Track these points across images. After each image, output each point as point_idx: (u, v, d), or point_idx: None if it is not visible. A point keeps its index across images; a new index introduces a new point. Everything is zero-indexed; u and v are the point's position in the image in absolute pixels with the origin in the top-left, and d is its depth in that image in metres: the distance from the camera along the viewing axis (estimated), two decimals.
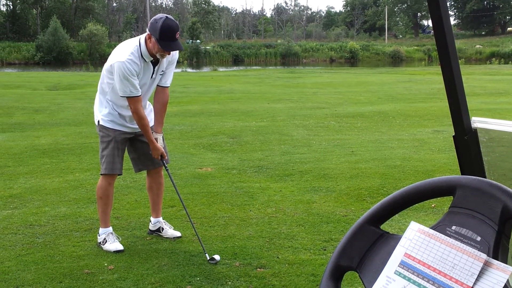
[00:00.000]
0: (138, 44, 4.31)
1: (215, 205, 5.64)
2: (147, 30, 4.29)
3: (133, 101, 4.32)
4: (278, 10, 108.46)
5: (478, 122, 1.49)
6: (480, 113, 11.91)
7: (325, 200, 5.80)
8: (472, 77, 24.53)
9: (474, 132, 1.49)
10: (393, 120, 11.68)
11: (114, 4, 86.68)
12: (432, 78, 24.73)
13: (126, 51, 4.28)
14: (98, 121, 4.61)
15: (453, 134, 1.53)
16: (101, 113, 4.58)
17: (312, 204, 5.64)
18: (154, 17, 4.33)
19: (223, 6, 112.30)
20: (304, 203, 5.67)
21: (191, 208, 5.52)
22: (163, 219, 4.88)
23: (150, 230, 4.86)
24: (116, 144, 4.52)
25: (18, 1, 74.63)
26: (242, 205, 5.62)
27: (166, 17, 4.26)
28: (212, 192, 6.13)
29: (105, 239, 4.50)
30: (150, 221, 4.87)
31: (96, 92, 4.70)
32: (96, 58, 54.69)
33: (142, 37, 4.35)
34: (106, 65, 4.39)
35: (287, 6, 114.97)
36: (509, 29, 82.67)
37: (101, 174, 4.60)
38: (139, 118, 4.38)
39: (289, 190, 6.19)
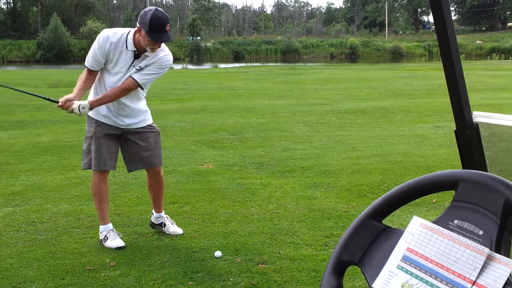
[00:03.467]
0: (127, 32, 4.34)
1: (217, 201, 5.64)
2: (137, 24, 4.28)
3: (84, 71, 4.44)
4: (279, 6, 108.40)
5: (479, 116, 1.49)
6: (481, 108, 11.85)
7: (326, 196, 5.80)
8: (473, 73, 24.51)
9: (475, 127, 1.49)
10: (394, 116, 11.68)
11: (115, 1, 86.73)
12: (432, 74, 24.72)
13: (114, 29, 4.41)
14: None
15: (455, 128, 1.53)
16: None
17: (313, 200, 5.64)
18: (144, 10, 4.34)
19: (223, 2, 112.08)
20: (305, 199, 5.67)
21: (193, 205, 5.53)
22: (165, 214, 4.88)
23: (152, 222, 4.85)
24: (98, 140, 4.48)
25: None
26: (244, 202, 5.63)
27: (156, 9, 4.25)
28: (214, 188, 6.13)
29: (106, 236, 4.50)
30: (153, 214, 4.86)
31: None
32: None
33: (133, 29, 4.37)
34: None
35: (287, 3, 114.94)
36: (509, 24, 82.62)
37: (93, 171, 4.57)
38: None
39: (290, 186, 6.19)
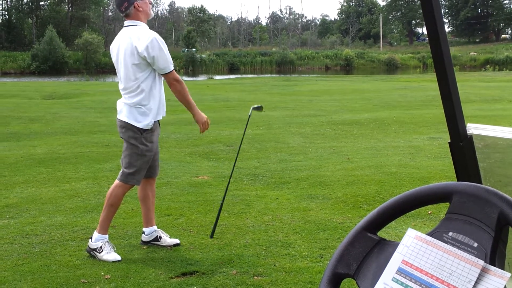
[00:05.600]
0: (138, 26, 4.38)
1: (212, 213, 5.63)
2: (125, 12, 4.35)
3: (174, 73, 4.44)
4: (273, 18, 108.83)
5: (473, 128, 1.50)
6: (475, 119, 11.94)
7: (322, 207, 5.79)
8: (467, 84, 24.62)
9: (469, 139, 1.50)
10: (389, 127, 11.71)
11: (110, 13, 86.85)
12: (427, 85, 24.80)
13: (144, 29, 4.38)
14: (143, 129, 4.44)
15: (449, 140, 1.54)
16: (149, 115, 4.46)
17: (309, 212, 5.63)
18: None
19: (219, 14, 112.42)
20: (300, 211, 5.67)
21: (188, 217, 5.51)
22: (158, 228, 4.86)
23: (143, 241, 4.77)
24: (152, 156, 4.51)
25: (14, 10, 74.77)
26: (239, 213, 5.62)
27: None
28: (209, 200, 6.12)
29: (101, 247, 4.47)
30: (143, 232, 4.78)
31: (123, 105, 4.50)
32: (91, 67, 54.80)
33: (132, 22, 4.39)
34: (132, 58, 4.33)
35: (282, 14, 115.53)
36: (503, 36, 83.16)
37: (125, 184, 4.49)
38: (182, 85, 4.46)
39: (286, 198, 6.19)
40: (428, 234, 1.11)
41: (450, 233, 1.09)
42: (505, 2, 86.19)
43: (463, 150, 1.51)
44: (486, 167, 1.54)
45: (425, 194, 1.15)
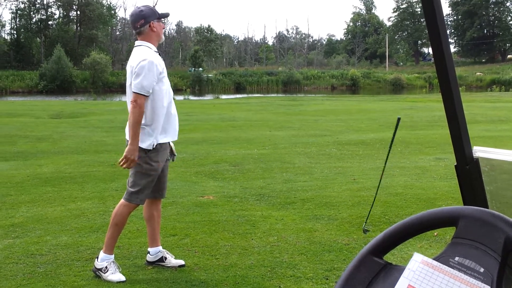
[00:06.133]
0: (147, 47, 4.42)
1: (217, 233, 5.62)
2: (139, 30, 4.41)
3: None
4: (280, 38, 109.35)
5: (479, 151, 1.50)
6: (482, 140, 11.92)
7: (327, 228, 5.78)
8: (473, 105, 24.61)
9: (475, 162, 1.50)
10: (395, 148, 11.69)
11: (118, 33, 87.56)
12: (433, 106, 24.80)
13: (149, 51, 4.41)
14: (146, 149, 4.43)
15: (455, 163, 1.54)
16: (152, 135, 4.45)
17: (314, 233, 5.62)
18: (136, 13, 4.44)
19: (225, 34, 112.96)
20: (306, 232, 5.65)
21: (193, 237, 5.51)
22: (163, 248, 4.85)
23: (148, 261, 4.77)
24: (157, 177, 4.51)
25: (22, 30, 75.46)
26: (244, 234, 5.60)
27: (138, 6, 4.55)
28: (214, 220, 6.11)
29: (106, 267, 4.46)
30: (149, 252, 4.79)
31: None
32: (99, 87, 55.08)
33: (142, 43, 4.44)
34: (132, 77, 4.38)
35: (289, 34, 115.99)
36: (509, 56, 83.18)
37: (129, 203, 4.50)
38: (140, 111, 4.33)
39: (291, 219, 6.17)
40: (434, 259, 1.11)
41: (457, 258, 1.09)
42: (511, 22, 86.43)
43: (469, 173, 1.51)
44: (492, 190, 1.54)
45: (432, 218, 1.15)
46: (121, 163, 4.34)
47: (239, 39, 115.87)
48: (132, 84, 4.32)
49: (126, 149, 4.30)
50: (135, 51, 4.44)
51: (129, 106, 4.35)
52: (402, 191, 7.32)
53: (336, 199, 6.99)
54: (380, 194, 7.20)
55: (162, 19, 4.55)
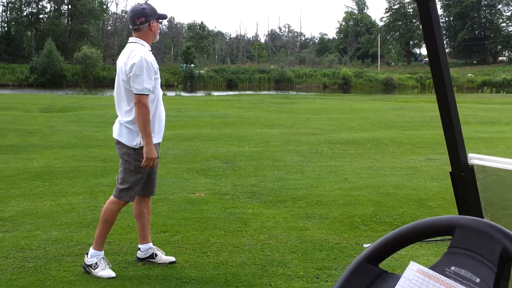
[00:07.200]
0: (142, 45, 4.39)
1: (208, 231, 5.61)
2: (138, 26, 4.38)
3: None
4: (272, 36, 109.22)
5: (474, 159, 1.49)
6: (472, 141, 11.97)
7: (318, 227, 5.78)
8: (464, 106, 24.70)
9: (470, 169, 1.50)
10: (386, 148, 11.72)
11: (109, 28, 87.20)
12: (424, 106, 24.89)
13: (143, 49, 4.37)
14: (135, 147, 4.43)
15: (449, 169, 1.54)
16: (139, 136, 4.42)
17: (305, 231, 5.62)
18: (137, 9, 4.41)
19: (218, 31, 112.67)
20: (297, 230, 5.65)
21: (184, 234, 5.49)
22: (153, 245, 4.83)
23: (138, 258, 4.75)
24: (146, 174, 4.49)
25: (13, 23, 74.97)
26: (235, 231, 5.60)
27: (140, 2, 4.54)
28: (205, 217, 6.10)
29: (96, 263, 4.44)
30: (139, 249, 4.77)
31: (119, 122, 4.52)
32: (90, 81, 54.82)
33: (137, 40, 4.41)
34: (122, 75, 4.36)
35: (281, 32, 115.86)
36: (500, 58, 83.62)
37: (118, 200, 4.49)
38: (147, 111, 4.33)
39: (282, 217, 6.17)
40: (430, 268, 1.10)
41: (453, 268, 1.08)
42: (502, 25, 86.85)
43: (464, 181, 1.51)
44: (487, 197, 1.54)
45: (428, 227, 1.15)
46: (144, 165, 4.38)
47: (232, 36, 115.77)
48: (132, 87, 4.30)
49: (144, 150, 4.33)
50: (129, 47, 4.41)
51: (122, 104, 4.41)
52: (394, 191, 7.34)
53: (328, 198, 7.00)
54: (372, 193, 7.22)
55: (160, 20, 4.55)
